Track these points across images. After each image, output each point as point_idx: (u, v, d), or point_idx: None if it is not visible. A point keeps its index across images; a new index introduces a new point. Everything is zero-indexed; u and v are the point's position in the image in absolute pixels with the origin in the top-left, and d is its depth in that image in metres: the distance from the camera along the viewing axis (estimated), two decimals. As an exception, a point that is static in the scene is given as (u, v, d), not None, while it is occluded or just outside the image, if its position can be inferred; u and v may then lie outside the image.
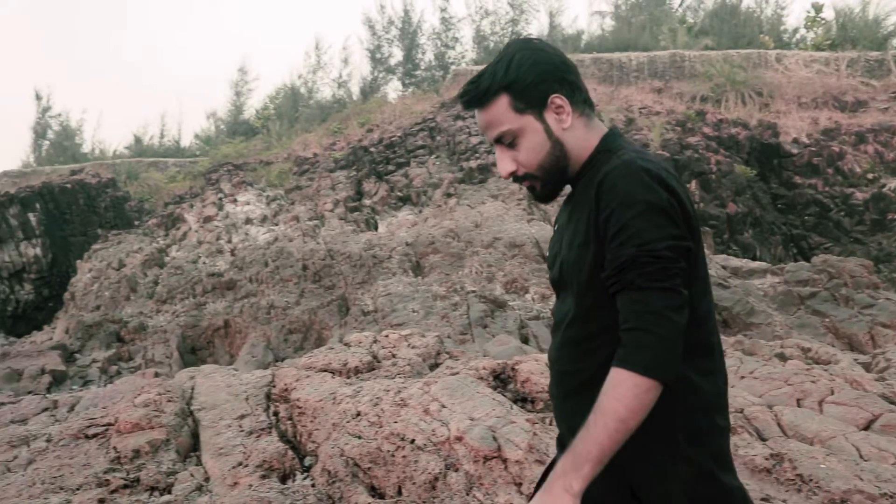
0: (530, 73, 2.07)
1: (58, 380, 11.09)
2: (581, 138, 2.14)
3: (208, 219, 20.98)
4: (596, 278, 1.99)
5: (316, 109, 34.62)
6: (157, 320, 15.89)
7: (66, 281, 23.38)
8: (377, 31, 37.50)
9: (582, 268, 2.03)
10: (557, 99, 2.09)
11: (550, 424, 4.95)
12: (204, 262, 18.34)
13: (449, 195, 19.77)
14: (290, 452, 4.94)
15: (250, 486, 4.41)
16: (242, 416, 5.80)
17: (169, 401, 6.12)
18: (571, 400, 2.11)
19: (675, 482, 1.93)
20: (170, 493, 4.58)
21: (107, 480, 4.70)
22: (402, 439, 4.57)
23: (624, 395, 1.79)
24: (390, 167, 22.06)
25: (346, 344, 7.67)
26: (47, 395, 8.82)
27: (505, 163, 2.16)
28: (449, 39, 37.43)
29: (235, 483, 4.53)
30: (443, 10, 37.40)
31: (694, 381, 1.97)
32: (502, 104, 2.09)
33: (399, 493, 4.31)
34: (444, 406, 4.91)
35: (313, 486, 4.47)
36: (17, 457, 5.48)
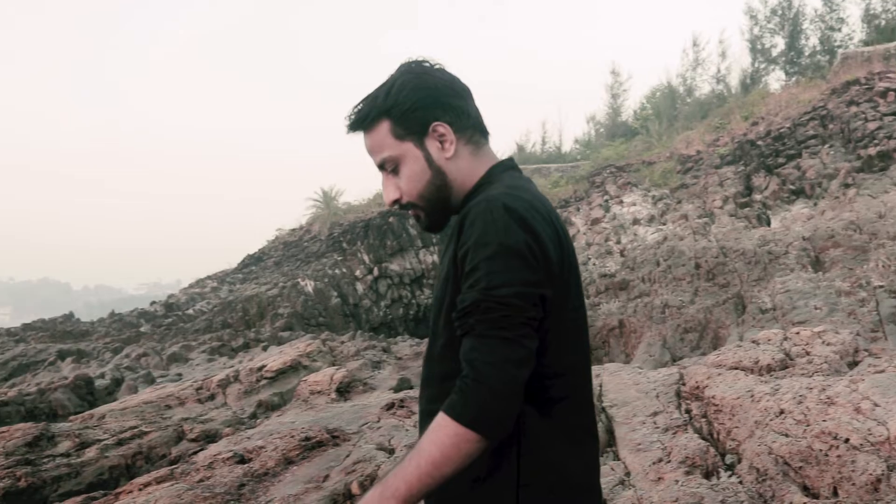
0: (409, 99, 1.95)
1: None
2: (465, 168, 2.01)
3: (596, 221, 21.26)
4: (449, 317, 1.83)
5: (695, 106, 33.98)
6: (554, 321, 16.29)
7: (460, 286, 24.77)
8: (759, 21, 36.16)
9: (441, 304, 1.90)
10: (440, 127, 1.96)
11: None
12: (594, 264, 18.60)
13: (847, 185, 18.54)
14: (712, 450, 4.85)
15: (676, 481, 4.37)
16: (655, 413, 5.79)
17: (582, 397, 6.24)
18: None
19: None
20: (593, 486, 4.65)
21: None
22: (835, 438, 4.32)
23: (442, 440, 1.64)
24: (780, 160, 21.07)
25: (754, 341, 7.42)
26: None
27: (389, 190, 2.04)
28: (834, 21, 35.19)
29: (659, 478, 4.51)
30: (824, -10, 35.22)
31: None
32: (383, 130, 1.98)
33: (835, 493, 4.07)
34: (876, 405, 4.58)
35: (741, 483, 4.35)
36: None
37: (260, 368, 10.69)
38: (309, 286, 25.54)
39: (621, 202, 22.01)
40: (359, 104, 2.02)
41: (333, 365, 11.38)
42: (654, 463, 4.77)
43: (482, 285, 1.69)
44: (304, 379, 9.69)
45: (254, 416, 9.47)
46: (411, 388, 10.37)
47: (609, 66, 59.22)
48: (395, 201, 2.05)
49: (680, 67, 50.06)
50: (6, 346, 21.06)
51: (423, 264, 26.96)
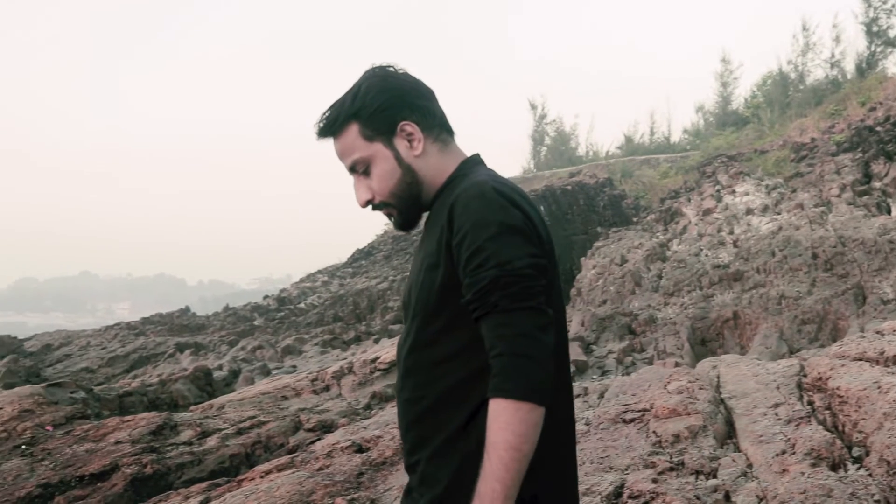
0: (377, 100, 2.03)
1: (580, 369, 11.70)
2: (435, 165, 2.09)
3: (707, 211, 20.88)
4: (445, 302, 1.92)
5: (808, 93, 33.02)
6: (666, 313, 16.10)
7: (570, 278, 24.59)
8: (873, 3, 34.88)
9: (431, 291, 1.95)
10: (407, 126, 2.05)
11: None
12: (706, 255, 18.27)
13: (975, 171, 17.83)
14: (838, 442, 4.72)
15: (802, 473, 4.28)
16: (776, 405, 5.67)
17: (700, 388, 6.18)
18: (412, 431, 2.03)
19: None
20: (715, 477, 4.59)
21: (653, 463, 4.83)
22: (970, 431, 4.18)
23: (509, 422, 1.68)
24: (901, 146, 20.34)
25: (878, 332, 7.21)
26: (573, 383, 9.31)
27: (361, 191, 2.11)
28: (957, 0, 33.74)
29: (784, 470, 4.42)
30: (947, -34, 33.70)
31: None
32: (352, 133, 2.06)
33: (972, 488, 3.94)
34: None
35: (870, 476, 4.23)
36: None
37: (373, 360, 10.84)
38: (418, 280, 25.68)
39: (733, 192, 21.56)
40: (326, 111, 2.11)
41: (444, 357, 11.44)
42: (777, 455, 4.68)
43: (494, 262, 1.77)
44: (417, 370, 9.78)
45: (368, 406, 9.60)
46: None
47: (720, 54, 57.89)
48: (368, 202, 2.13)
49: (790, 53, 48.50)
50: (127, 340, 21.86)
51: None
